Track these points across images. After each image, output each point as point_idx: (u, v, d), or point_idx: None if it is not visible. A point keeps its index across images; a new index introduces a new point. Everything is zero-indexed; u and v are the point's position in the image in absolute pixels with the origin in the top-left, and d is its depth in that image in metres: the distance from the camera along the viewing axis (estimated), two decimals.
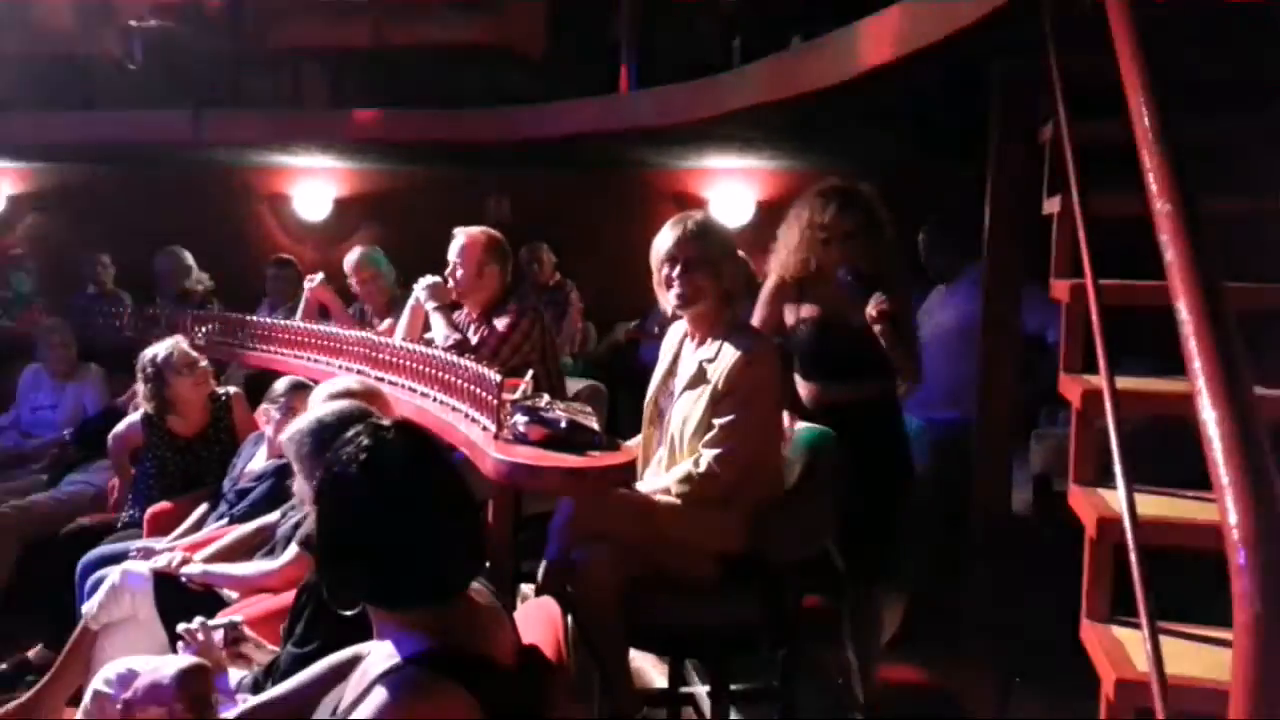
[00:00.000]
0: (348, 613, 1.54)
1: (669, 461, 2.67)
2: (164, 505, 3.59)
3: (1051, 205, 2.56)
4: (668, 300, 2.70)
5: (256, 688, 2.06)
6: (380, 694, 1.42)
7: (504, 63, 5.54)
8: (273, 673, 2.07)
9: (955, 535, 3.05)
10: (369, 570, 1.50)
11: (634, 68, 4.83)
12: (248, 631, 2.24)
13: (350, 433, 1.56)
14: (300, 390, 3.31)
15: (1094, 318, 1.84)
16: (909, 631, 3.56)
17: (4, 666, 3.51)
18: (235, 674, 2.16)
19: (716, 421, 2.56)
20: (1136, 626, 1.62)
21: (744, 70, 3.94)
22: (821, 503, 2.73)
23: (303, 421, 2.35)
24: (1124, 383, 1.99)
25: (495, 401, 2.66)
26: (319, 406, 2.51)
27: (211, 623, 2.16)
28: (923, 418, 3.89)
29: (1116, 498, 1.61)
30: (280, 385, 3.41)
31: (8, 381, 5.01)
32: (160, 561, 3.02)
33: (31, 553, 3.90)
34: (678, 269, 2.64)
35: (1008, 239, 2.80)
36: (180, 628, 2.12)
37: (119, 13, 5.77)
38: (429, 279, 3.74)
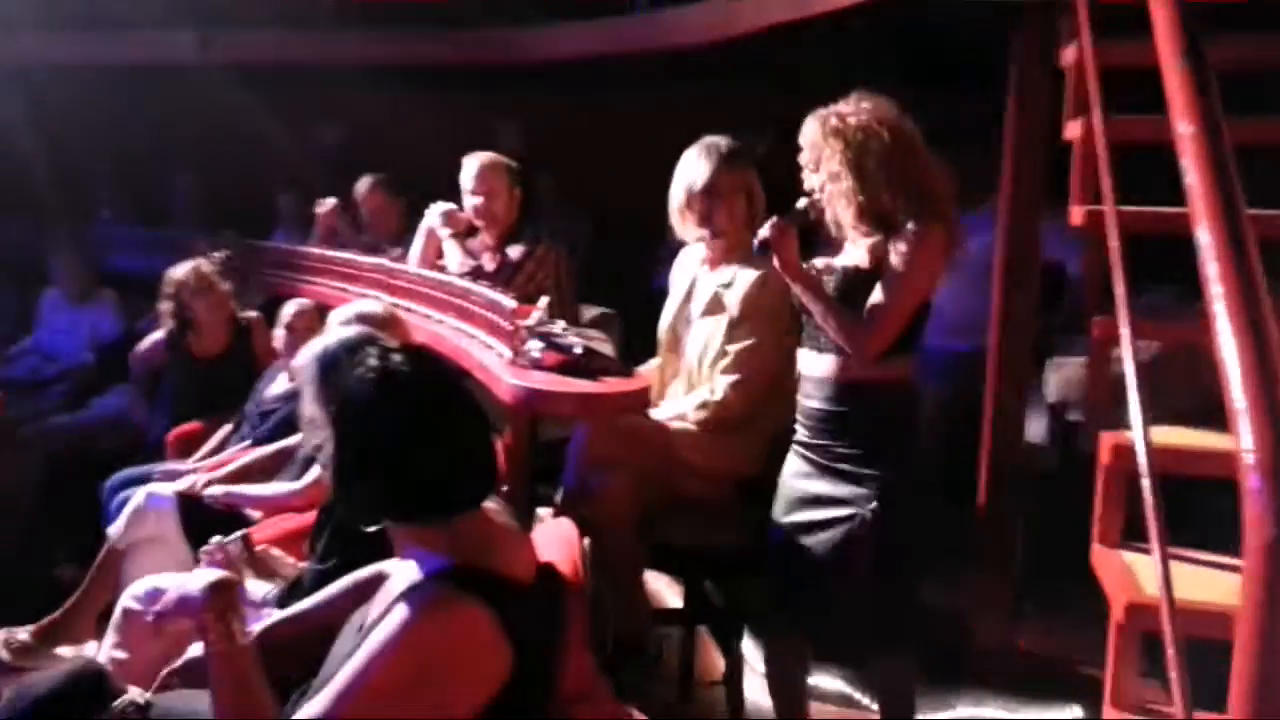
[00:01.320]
0: (368, 529, 1.58)
1: (686, 388, 2.68)
2: (187, 427, 3.66)
3: (1073, 130, 2.53)
4: (691, 230, 2.66)
5: (282, 603, 2.12)
6: (402, 609, 1.46)
7: None
8: (297, 589, 2.13)
9: (959, 462, 3.06)
10: (381, 487, 1.54)
11: None
12: (259, 548, 2.31)
13: (359, 355, 1.58)
14: (302, 313, 3.36)
15: (1112, 244, 1.83)
16: None
17: (35, 584, 3.60)
18: (262, 587, 2.23)
19: (731, 348, 2.57)
20: (1146, 552, 1.64)
21: None
22: None
23: (311, 348, 2.38)
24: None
25: (510, 327, 2.67)
26: (329, 332, 2.53)
27: (225, 540, 2.22)
28: (936, 347, 3.88)
29: (1131, 425, 1.62)
30: (285, 309, 3.47)
31: (30, 305, 5.06)
32: (184, 483, 3.09)
33: (58, 474, 3.97)
34: (714, 201, 2.60)
35: (1027, 166, 2.76)
36: (201, 551, 2.18)
37: None
38: (443, 205, 3.72)
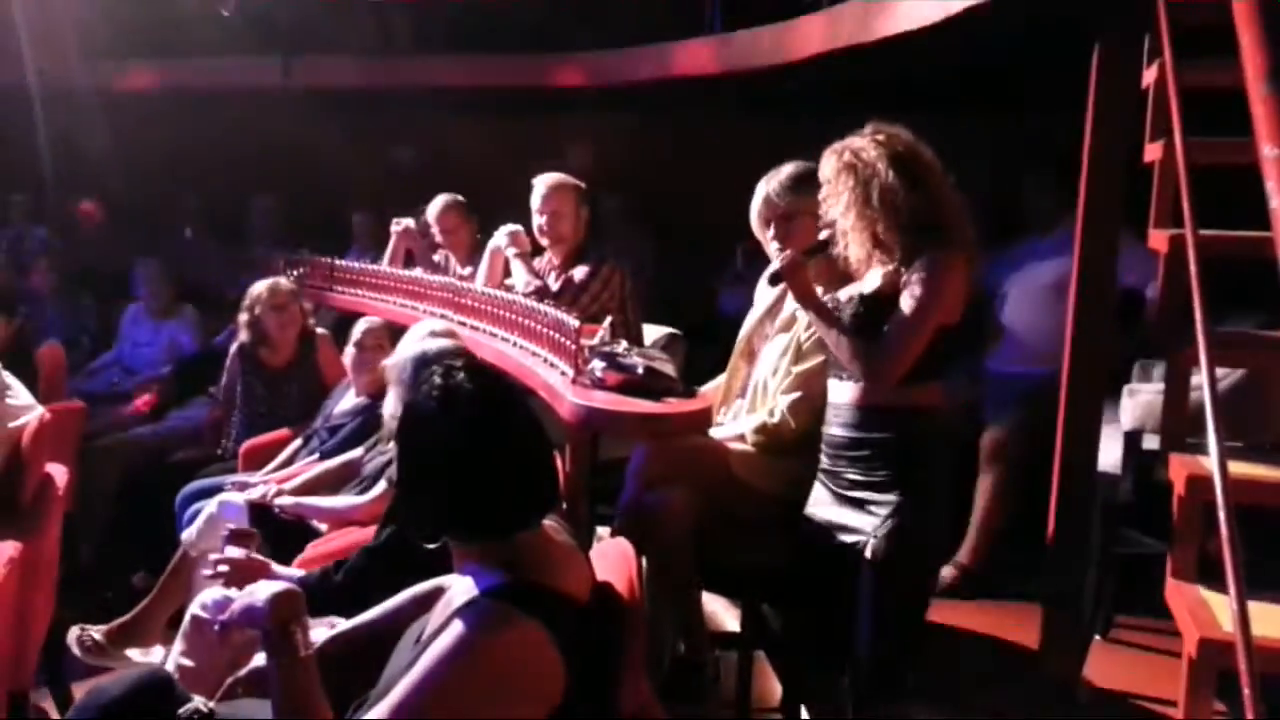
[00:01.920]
0: (429, 545, 1.59)
1: (750, 405, 2.67)
2: (258, 440, 3.75)
3: (1153, 152, 2.46)
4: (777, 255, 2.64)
5: (324, 579, 2.19)
6: (458, 626, 1.47)
7: (590, 7, 5.51)
8: (328, 584, 2.22)
9: (1032, 492, 2.99)
10: (439, 503, 1.56)
11: (718, 10, 4.77)
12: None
13: (427, 371, 1.61)
14: (371, 330, 3.52)
15: (1192, 269, 1.77)
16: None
17: (110, 591, 3.71)
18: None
19: (795, 369, 2.55)
20: (1223, 588, 1.58)
21: (833, 12, 3.85)
22: None
23: (406, 350, 2.44)
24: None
25: (573, 347, 2.69)
26: (424, 341, 2.60)
27: (227, 554, 2.24)
28: (1009, 372, 3.81)
29: (1208, 456, 1.56)
30: (355, 327, 3.60)
31: (112, 320, 5.25)
32: (255, 494, 3.16)
33: (134, 484, 4.09)
34: (780, 226, 2.60)
35: (1106, 188, 2.69)
36: (204, 574, 2.22)
37: None
38: (509, 227, 3.77)
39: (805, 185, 2.58)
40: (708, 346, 4.29)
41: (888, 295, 2.30)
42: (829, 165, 2.36)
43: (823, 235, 2.41)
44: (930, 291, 2.25)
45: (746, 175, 2.76)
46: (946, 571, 3.61)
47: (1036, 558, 2.82)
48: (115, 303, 5.26)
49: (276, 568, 2.28)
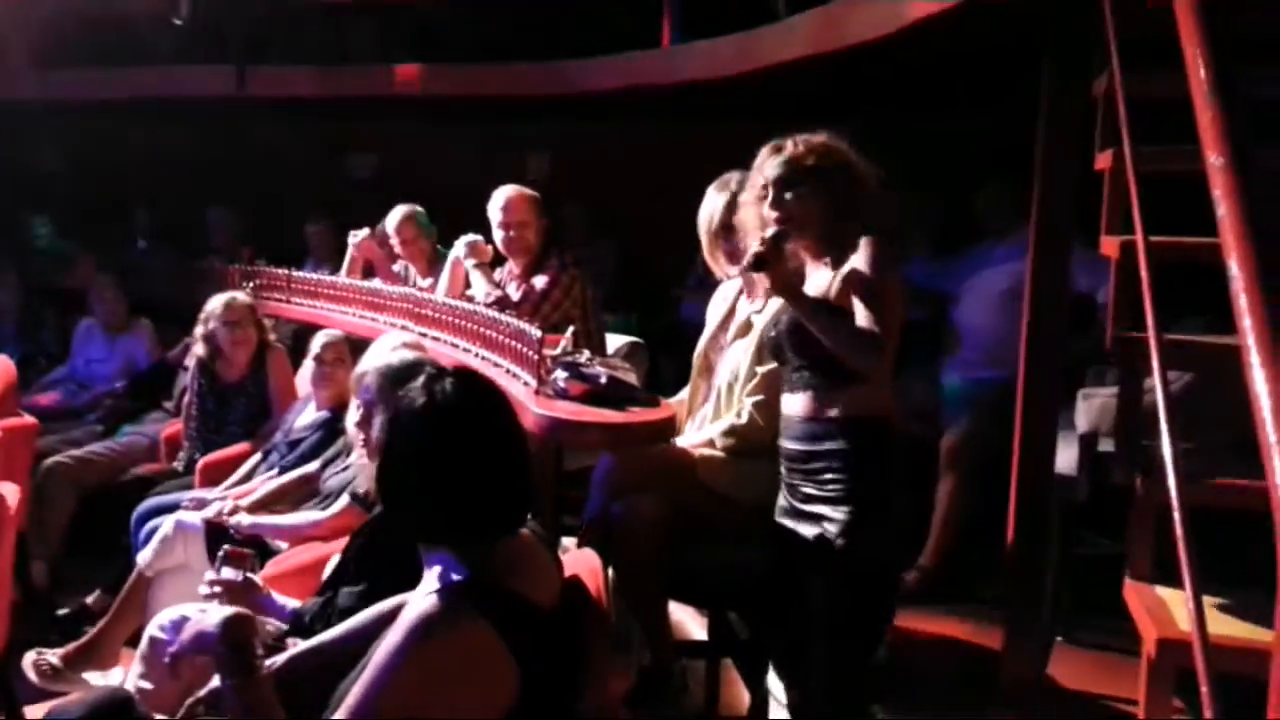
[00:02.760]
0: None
1: (714, 414, 2.68)
2: (216, 455, 3.70)
3: (1103, 160, 2.51)
4: (724, 269, 2.65)
5: (306, 630, 2.13)
6: (408, 617, 1.47)
7: (549, 15, 5.51)
8: (330, 610, 2.14)
9: (990, 495, 3.03)
10: (427, 509, 1.55)
11: (677, 19, 4.79)
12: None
13: (410, 378, 1.60)
14: (330, 344, 3.48)
15: (1143, 274, 1.81)
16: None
17: (65, 611, 3.63)
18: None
19: (759, 369, 2.57)
20: (1179, 587, 1.61)
21: (790, 22, 3.88)
22: None
23: (375, 363, 2.42)
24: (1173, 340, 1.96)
25: (536, 357, 2.68)
26: (388, 354, 2.57)
27: (222, 576, 2.19)
28: (965, 377, 3.86)
29: (1162, 456, 1.59)
30: (314, 340, 3.57)
31: (67, 335, 5.14)
32: (211, 511, 3.11)
33: (90, 502, 4.01)
34: (734, 236, 2.60)
35: (1058, 195, 2.74)
36: (202, 591, 2.18)
37: None
38: (469, 237, 3.76)
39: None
40: (670, 355, 4.31)
41: (833, 301, 2.30)
42: (790, 154, 2.35)
43: (769, 232, 2.35)
44: (877, 272, 2.25)
45: (706, 183, 2.77)
46: (908, 574, 3.65)
47: (997, 560, 2.86)
48: (74, 318, 5.15)
49: (275, 595, 2.23)
